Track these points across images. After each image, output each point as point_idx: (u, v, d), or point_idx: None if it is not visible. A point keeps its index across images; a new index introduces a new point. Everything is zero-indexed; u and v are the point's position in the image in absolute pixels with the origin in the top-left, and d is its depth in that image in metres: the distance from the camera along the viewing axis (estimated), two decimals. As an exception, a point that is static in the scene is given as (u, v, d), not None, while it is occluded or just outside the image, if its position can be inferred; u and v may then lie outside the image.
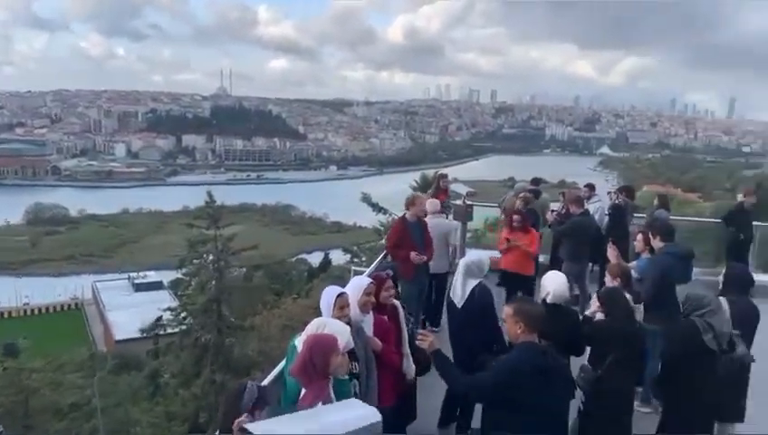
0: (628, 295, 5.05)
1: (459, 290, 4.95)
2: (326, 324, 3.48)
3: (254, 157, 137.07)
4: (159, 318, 23.22)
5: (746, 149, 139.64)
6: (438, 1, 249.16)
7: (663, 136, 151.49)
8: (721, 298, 4.59)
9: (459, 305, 4.92)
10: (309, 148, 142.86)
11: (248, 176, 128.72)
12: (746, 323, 4.69)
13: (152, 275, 61.15)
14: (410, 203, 7.27)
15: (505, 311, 3.68)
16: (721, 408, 4.46)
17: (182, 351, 19.82)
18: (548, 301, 4.56)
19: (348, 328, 3.50)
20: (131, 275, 63.06)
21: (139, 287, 58.95)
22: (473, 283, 4.93)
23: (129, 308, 50.06)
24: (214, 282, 19.62)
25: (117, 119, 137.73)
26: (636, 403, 5.46)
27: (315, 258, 53.69)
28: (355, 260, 20.45)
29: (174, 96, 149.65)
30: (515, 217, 7.84)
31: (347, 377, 3.39)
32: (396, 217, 16.76)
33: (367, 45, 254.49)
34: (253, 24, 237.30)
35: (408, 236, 7.07)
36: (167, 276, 53.35)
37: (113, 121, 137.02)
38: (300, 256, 59.49)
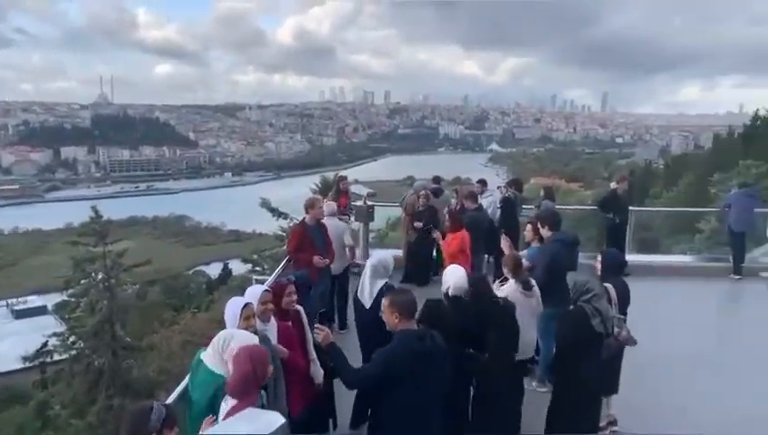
0: (520, 283, 5.38)
1: (367, 291, 5.01)
2: (233, 336, 3.43)
3: (142, 167, 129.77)
4: (44, 344, 21.40)
5: (619, 140, 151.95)
6: (328, 2, 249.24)
7: (546, 131, 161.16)
8: (607, 284, 5.00)
9: (368, 306, 4.96)
10: (201, 155, 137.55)
11: (137, 187, 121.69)
12: (622, 302, 5.13)
13: (34, 300, 55.98)
14: (309, 206, 7.28)
15: (382, 303, 3.88)
16: (606, 385, 4.87)
17: (73, 378, 18.38)
18: (449, 294, 4.72)
19: (255, 337, 3.48)
20: (10, 301, 57.49)
21: (19, 314, 53.81)
22: (380, 283, 5.00)
23: (10, 337, 45.58)
24: (105, 302, 18.40)
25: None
26: (534, 383, 5.80)
27: (214, 270, 51.88)
28: (257, 269, 19.99)
29: (48, 106, 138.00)
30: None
31: None
32: (297, 222, 16.66)
33: (256, 48, 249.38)
34: (132, 27, 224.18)
35: (308, 239, 7.08)
36: (51, 300, 49.18)
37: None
38: (197, 269, 57.20)
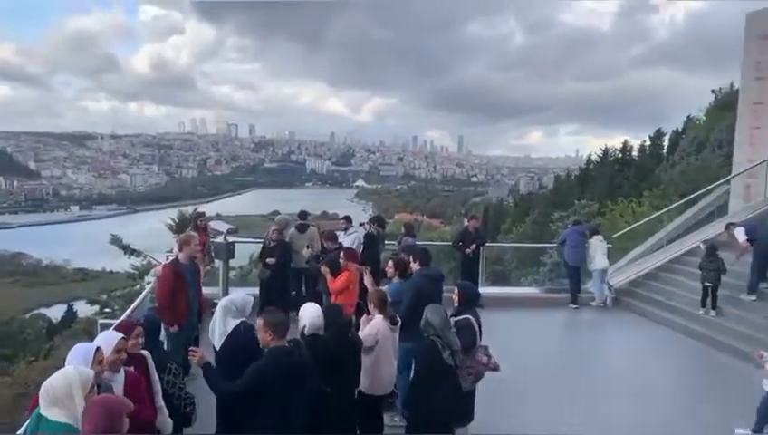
0: (388, 319, 5.51)
1: (218, 331, 4.84)
2: (78, 375, 3.00)
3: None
4: None
5: (474, 180, 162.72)
6: (188, 32, 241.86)
7: (408, 169, 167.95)
8: (468, 316, 5.30)
9: (217, 346, 4.82)
10: (43, 186, 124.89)
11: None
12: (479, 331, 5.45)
13: None
14: (184, 243, 6.86)
15: (257, 322, 4.27)
16: (458, 414, 5.09)
17: None
18: (305, 333, 4.71)
19: (91, 374, 3.10)
20: None
21: None
22: (233, 322, 4.84)
23: None
24: None
25: None
26: (396, 419, 5.90)
27: (56, 312, 46.72)
28: (106, 310, 18.33)
29: None
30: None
31: None
32: (155, 262, 15.60)
33: (109, 75, 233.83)
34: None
35: (183, 282, 6.64)
36: None
37: None
38: (36, 312, 51.20)
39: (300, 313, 4.84)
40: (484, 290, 11.68)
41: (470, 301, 5.70)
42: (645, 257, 13.32)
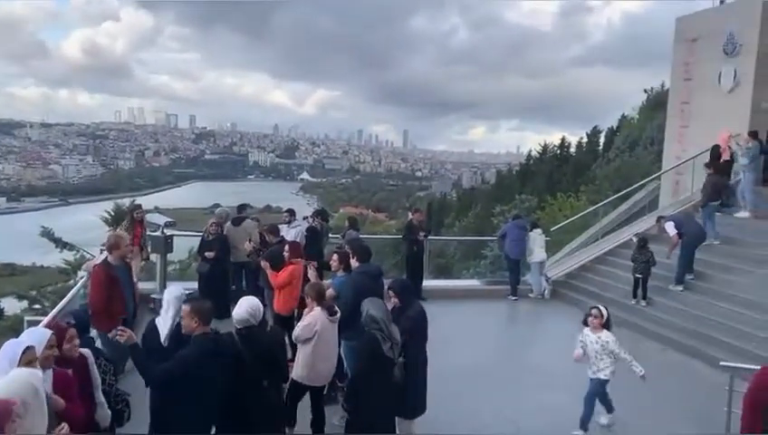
0: (326, 309, 5.50)
1: (165, 325, 4.73)
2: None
3: None
4: None
5: (419, 174, 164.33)
6: (124, 18, 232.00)
7: (354, 163, 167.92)
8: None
9: (166, 343, 4.67)
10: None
11: None
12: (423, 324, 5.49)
13: None
14: (114, 246, 6.52)
15: (183, 309, 4.33)
16: (405, 407, 5.14)
17: None
18: (237, 327, 4.66)
19: (32, 378, 2.97)
20: None
21: None
22: (177, 319, 4.72)
23: None
24: None
25: None
26: (335, 420, 5.87)
27: (-19, 309, 44.19)
28: (35, 307, 17.45)
29: None
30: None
31: None
32: (89, 256, 14.95)
33: (37, 60, 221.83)
34: None
35: (116, 285, 6.35)
36: None
37: None
38: (-42, 309, 48.22)
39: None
40: (428, 283, 11.96)
41: (410, 294, 5.72)
42: (581, 250, 13.82)
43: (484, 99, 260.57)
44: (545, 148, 46.56)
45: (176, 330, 4.66)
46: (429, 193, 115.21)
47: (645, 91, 36.60)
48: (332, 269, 6.92)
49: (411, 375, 5.09)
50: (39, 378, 2.99)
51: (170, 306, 4.78)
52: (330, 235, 11.11)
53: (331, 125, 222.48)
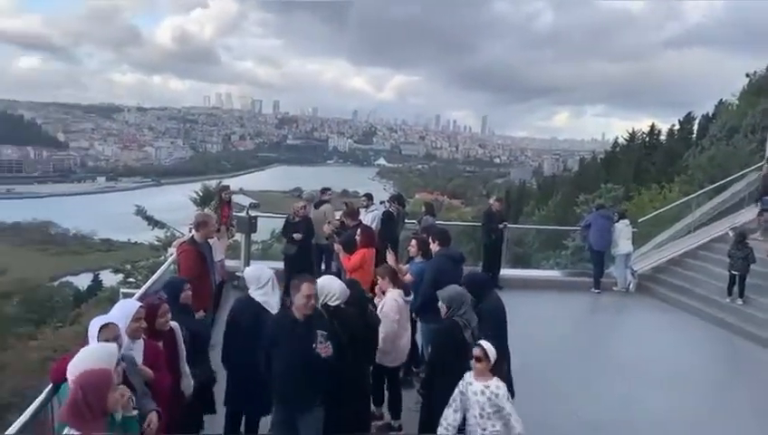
0: (401, 290, 5.52)
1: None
2: (91, 352, 3.17)
3: (2, 168, 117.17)
4: None
5: (497, 160, 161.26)
6: (212, 5, 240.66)
7: (430, 148, 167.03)
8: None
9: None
10: (71, 157, 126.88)
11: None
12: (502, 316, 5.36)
13: None
14: (201, 224, 6.59)
15: (303, 289, 4.20)
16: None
17: None
18: (330, 304, 4.68)
19: (114, 348, 3.23)
20: None
21: None
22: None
23: None
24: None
25: None
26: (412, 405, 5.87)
27: (83, 281, 47.87)
28: (129, 280, 18.70)
29: None
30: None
31: (134, 412, 3.14)
32: (179, 234, 15.76)
33: (132, 47, 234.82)
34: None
35: (203, 262, 6.43)
36: None
37: None
38: (64, 280, 52.44)
39: (322, 284, 4.78)
40: (506, 272, 11.72)
41: (485, 288, 5.54)
42: (670, 243, 13.07)
43: (567, 84, 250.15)
44: (633, 135, 44.15)
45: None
46: (508, 180, 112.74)
47: (747, 75, 33.85)
48: (411, 254, 6.92)
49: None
50: (114, 353, 3.17)
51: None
52: (405, 220, 11.10)
53: (409, 111, 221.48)
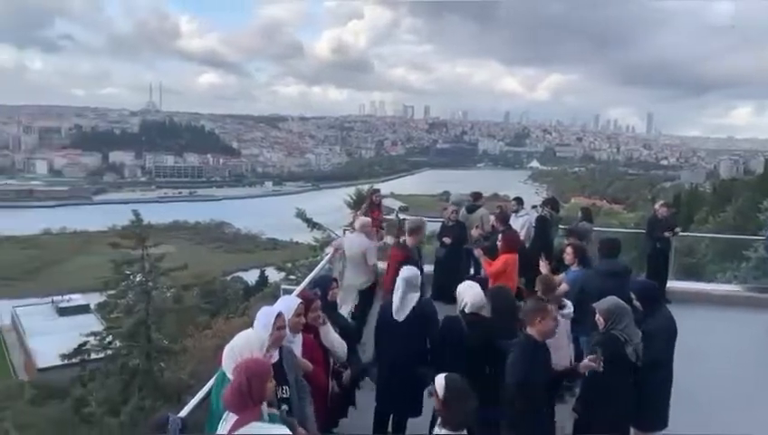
0: (554, 302, 5.23)
1: (400, 304, 5.00)
2: (242, 344, 3.37)
3: (186, 173, 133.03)
4: (84, 344, 21.93)
5: (664, 162, 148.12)
6: (367, 15, 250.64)
7: (588, 150, 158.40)
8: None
9: (401, 319, 4.95)
10: (243, 164, 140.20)
11: (180, 193, 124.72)
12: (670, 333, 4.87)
13: (77, 299, 57.43)
14: (414, 230, 6.90)
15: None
16: (642, 418, 4.62)
17: (108, 377, 18.78)
18: (466, 311, 4.62)
19: (264, 338, 3.45)
20: (55, 298, 59.30)
21: (63, 312, 55.15)
22: (414, 296, 5.02)
23: (53, 334, 46.62)
24: (141, 304, 18.78)
25: (38, 135, 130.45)
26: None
27: (251, 276, 52.51)
28: (291, 277, 20.11)
29: (100, 111, 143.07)
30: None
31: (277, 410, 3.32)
32: (334, 236, 16.58)
33: (296, 60, 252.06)
34: (174, 35, 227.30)
35: (413, 265, 6.34)
36: (93, 299, 50.48)
37: (34, 138, 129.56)
38: (235, 275, 57.99)
39: (459, 290, 4.77)
40: (674, 284, 10.64)
41: (654, 300, 5.10)
42: None
43: (747, 76, 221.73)
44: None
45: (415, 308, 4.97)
46: (677, 184, 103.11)
47: None
48: (567, 262, 6.59)
49: (652, 386, 4.56)
50: (264, 342, 3.39)
51: (404, 286, 5.04)
52: (560, 225, 10.57)
53: (565, 111, 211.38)
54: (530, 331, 4.07)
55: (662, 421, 4.90)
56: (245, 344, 3.29)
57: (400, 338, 4.91)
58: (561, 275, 6.53)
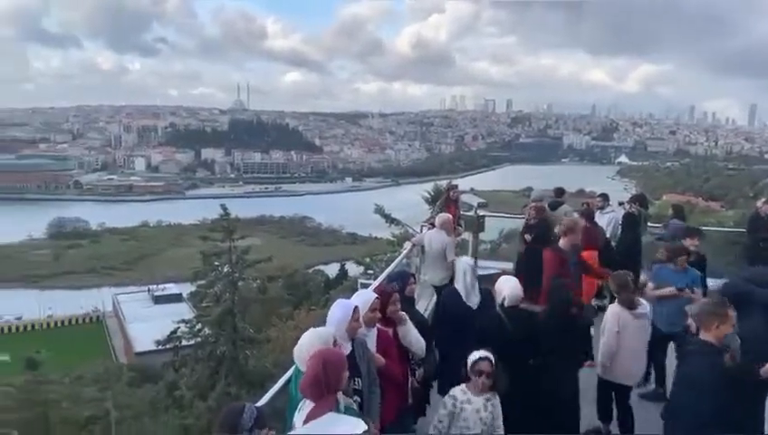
0: (624, 302, 5.08)
1: (472, 290, 5.14)
2: (316, 335, 3.54)
3: (271, 170, 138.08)
4: (175, 331, 23.30)
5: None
6: (448, 9, 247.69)
7: (683, 144, 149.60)
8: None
9: (476, 306, 5.08)
10: (325, 160, 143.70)
11: (266, 188, 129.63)
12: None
13: (171, 288, 61.28)
14: (568, 230, 6.48)
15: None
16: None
17: (197, 363, 19.83)
18: (505, 304, 4.68)
19: (330, 333, 3.58)
20: (151, 287, 63.50)
21: (158, 300, 59.20)
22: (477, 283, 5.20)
23: (149, 320, 50.20)
24: (228, 294, 19.66)
25: (137, 133, 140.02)
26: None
27: (332, 269, 53.60)
28: (369, 272, 20.36)
29: (192, 110, 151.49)
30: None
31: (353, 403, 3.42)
32: (411, 231, 16.64)
33: (376, 57, 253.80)
34: (261, 36, 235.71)
35: (565, 266, 6.21)
36: (186, 289, 53.55)
37: (133, 136, 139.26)
38: (317, 268, 59.43)
39: (497, 285, 4.76)
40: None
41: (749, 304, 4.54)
42: None
43: None
44: None
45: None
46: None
47: None
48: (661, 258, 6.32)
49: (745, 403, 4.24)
50: (330, 336, 3.53)
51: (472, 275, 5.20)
52: (649, 223, 10.04)
53: (657, 103, 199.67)
54: (705, 336, 3.88)
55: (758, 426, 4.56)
56: (309, 343, 3.46)
57: (473, 325, 4.93)
58: (643, 277, 6.27)
